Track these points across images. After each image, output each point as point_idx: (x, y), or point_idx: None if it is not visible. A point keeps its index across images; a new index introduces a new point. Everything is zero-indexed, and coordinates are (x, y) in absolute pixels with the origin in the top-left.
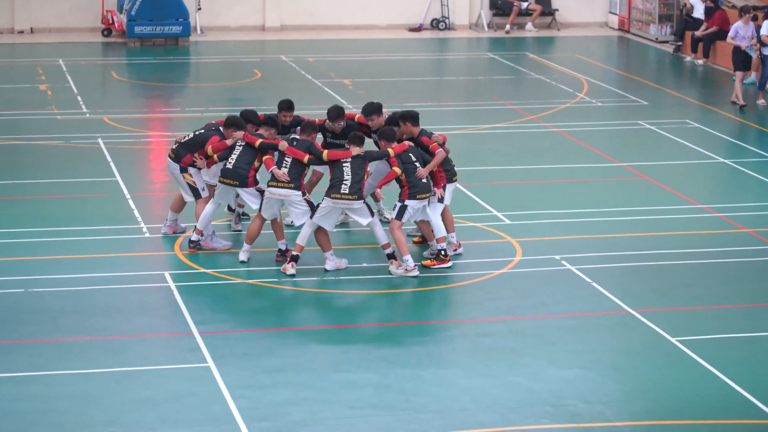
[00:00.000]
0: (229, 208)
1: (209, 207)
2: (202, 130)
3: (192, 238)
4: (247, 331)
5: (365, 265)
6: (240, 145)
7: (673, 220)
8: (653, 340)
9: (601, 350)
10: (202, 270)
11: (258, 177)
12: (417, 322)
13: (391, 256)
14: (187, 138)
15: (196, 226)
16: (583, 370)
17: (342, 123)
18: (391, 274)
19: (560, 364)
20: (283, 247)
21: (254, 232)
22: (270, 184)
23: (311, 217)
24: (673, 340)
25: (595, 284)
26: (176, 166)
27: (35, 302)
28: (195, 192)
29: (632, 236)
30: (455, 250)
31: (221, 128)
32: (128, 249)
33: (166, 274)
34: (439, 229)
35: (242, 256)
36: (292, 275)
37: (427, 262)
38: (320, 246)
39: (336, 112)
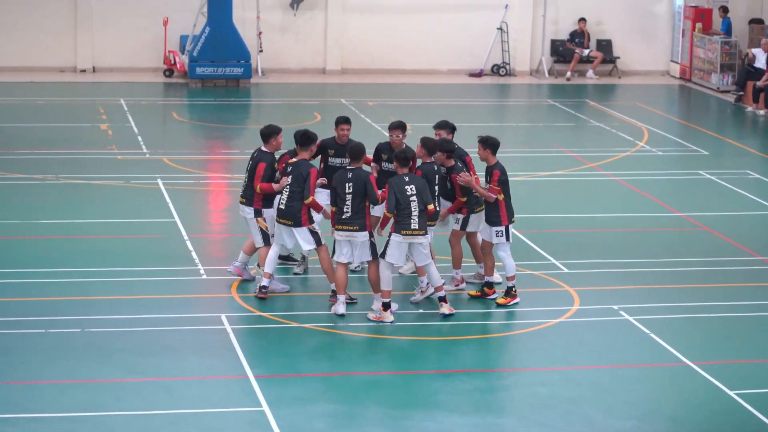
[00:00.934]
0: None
1: (273, 249)
2: (250, 162)
3: (262, 284)
4: (303, 376)
5: (422, 311)
6: (289, 183)
7: (731, 271)
8: (710, 392)
9: (657, 401)
10: (259, 313)
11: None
12: (473, 369)
13: (443, 299)
14: (245, 180)
15: (264, 271)
16: (639, 422)
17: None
18: (444, 315)
19: (616, 415)
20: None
21: (343, 279)
22: (337, 227)
23: (381, 257)
24: (731, 392)
25: (652, 335)
26: (250, 210)
27: (91, 341)
28: (265, 237)
29: (691, 287)
30: (457, 285)
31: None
32: (185, 290)
33: (223, 317)
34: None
35: (340, 309)
36: (392, 322)
37: (501, 300)
38: (374, 286)
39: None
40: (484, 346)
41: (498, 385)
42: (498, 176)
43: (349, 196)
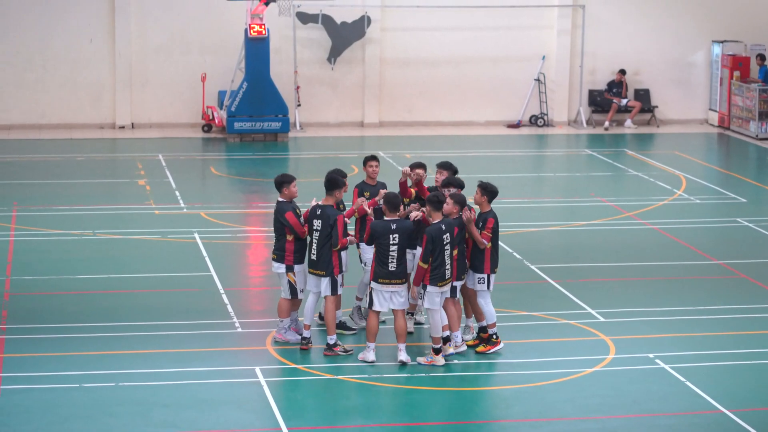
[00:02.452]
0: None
1: (311, 299)
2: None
3: (305, 335)
4: (336, 428)
5: (456, 361)
6: (317, 229)
7: None
8: None
9: None
10: (293, 365)
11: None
12: (507, 420)
13: (447, 339)
14: (275, 235)
15: (305, 323)
16: None
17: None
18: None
19: None
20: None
21: (374, 327)
22: (381, 281)
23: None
24: None
25: (688, 383)
26: (281, 266)
27: (125, 395)
28: (293, 292)
29: (728, 335)
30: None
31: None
32: (220, 343)
33: (257, 369)
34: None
35: (371, 356)
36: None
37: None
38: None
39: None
40: (519, 396)
41: None
42: (492, 224)
43: (394, 248)
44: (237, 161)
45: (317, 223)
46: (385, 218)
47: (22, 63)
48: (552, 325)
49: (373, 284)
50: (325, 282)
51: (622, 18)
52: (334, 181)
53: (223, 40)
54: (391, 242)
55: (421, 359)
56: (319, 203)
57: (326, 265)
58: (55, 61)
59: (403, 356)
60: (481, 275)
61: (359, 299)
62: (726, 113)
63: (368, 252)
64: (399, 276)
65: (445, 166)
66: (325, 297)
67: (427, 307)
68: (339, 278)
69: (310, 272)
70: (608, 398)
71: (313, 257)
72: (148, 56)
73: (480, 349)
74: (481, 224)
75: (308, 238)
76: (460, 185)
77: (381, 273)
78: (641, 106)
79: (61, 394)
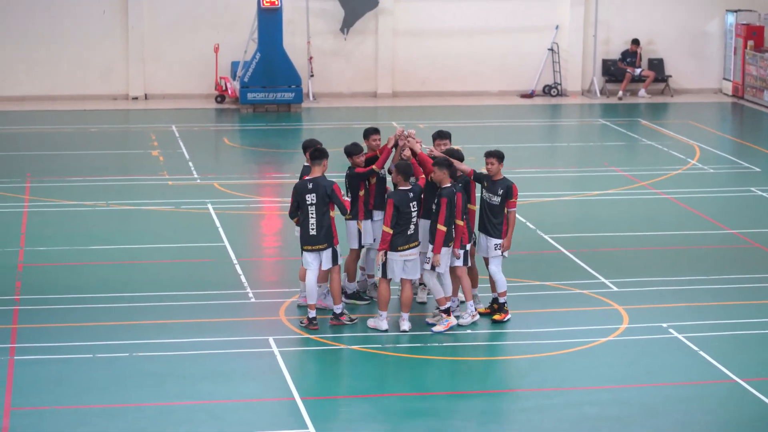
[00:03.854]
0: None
1: (312, 277)
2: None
3: (311, 315)
4: (349, 397)
5: (469, 331)
6: (312, 203)
7: None
8: (761, 410)
9: (707, 421)
10: (306, 336)
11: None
12: (521, 389)
13: (447, 311)
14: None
15: (309, 303)
16: None
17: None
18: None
19: None
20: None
21: (387, 296)
22: (401, 248)
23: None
24: None
25: (702, 353)
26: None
27: (140, 366)
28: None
29: (742, 304)
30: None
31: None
32: (234, 314)
33: (270, 339)
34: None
35: (384, 324)
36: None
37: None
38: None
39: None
40: (533, 366)
41: (547, 404)
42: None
43: (414, 214)
44: (250, 132)
45: (311, 197)
46: (400, 188)
47: (35, 36)
48: (565, 295)
49: (391, 254)
50: (327, 254)
51: None
52: (322, 151)
53: (237, 11)
54: (412, 210)
55: (436, 328)
56: (307, 177)
57: (328, 237)
58: (68, 32)
59: (406, 325)
60: (498, 241)
61: (370, 276)
62: (740, 82)
63: (370, 234)
64: (415, 239)
65: (444, 135)
66: (330, 268)
67: (439, 271)
68: (338, 247)
69: (307, 250)
70: (622, 368)
71: (313, 232)
72: (160, 28)
73: (496, 317)
74: (502, 191)
75: (302, 215)
76: (460, 157)
77: (400, 241)
78: (655, 76)
79: (74, 365)
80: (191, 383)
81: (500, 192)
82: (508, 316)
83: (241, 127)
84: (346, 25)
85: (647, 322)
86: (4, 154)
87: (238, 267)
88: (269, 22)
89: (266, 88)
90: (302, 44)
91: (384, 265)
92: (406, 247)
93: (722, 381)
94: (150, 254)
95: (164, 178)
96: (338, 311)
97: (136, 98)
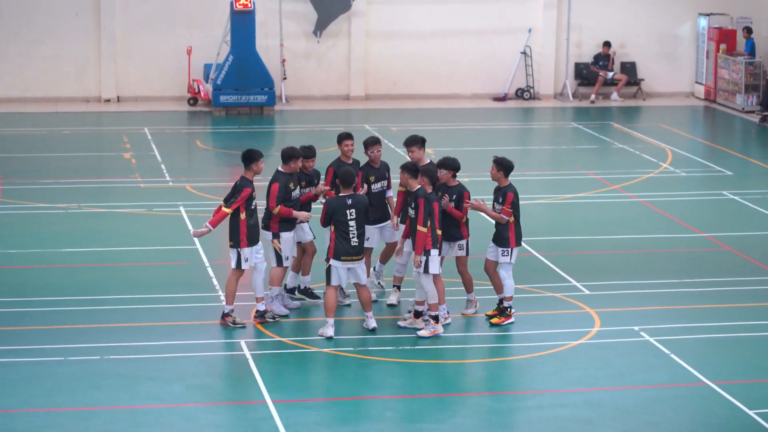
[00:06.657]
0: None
1: (258, 275)
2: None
3: (259, 308)
4: (321, 401)
5: (443, 334)
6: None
7: (754, 291)
8: (730, 412)
9: (677, 422)
10: (278, 338)
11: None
12: (493, 392)
13: (419, 314)
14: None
15: (257, 296)
16: None
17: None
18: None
19: None
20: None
21: (333, 303)
22: (343, 258)
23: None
24: (750, 412)
25: (673, 356)
26: (267, 233)
27: (111, 369)
28: (279, 259)
29: (713, 307)
30: (475, 306)
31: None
32: (205, 316)
33: (242, 342)
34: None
35: (329, 331)
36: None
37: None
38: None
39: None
40: (503, 368)
41: (517, 407)
42: (512, 198)
43: (353, 224)
44: (223, 134)
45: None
46: (341, 194)
47: (6, 36)
48: (537, 298)
49: (333, 261)
50: (232, 253)
51: None
52: (251, 154)
53: (209, 14)
54: (348, 218)
55: (422, 333)
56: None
57: (233, 237)
58: (40, 33)
59: (372, 323)
60: (505, 248)
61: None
62: (712, 86)
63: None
64: (359, 252)
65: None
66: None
67: (433, 273)
68: (245, 251)
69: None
70: (593, 370)
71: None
72: (133, 29)
73: (495, 320)
74: (501, 199)
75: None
76: (455, 167)
77: (342, 250)
78: (627, 79)
79: (46, 367)
80: (162, 385)
81: (500, 200)
82: (512, 320)
83: (214, 129)
84: (319, 27)
85: (619, 325)
86: None
87: (210, 270)
88: (242, 24)
89: (239, 91)
90: (275, 47)
91: (328, 272)
92: (348, 258)
93: (693, 384)
94: (122, 256)
95: (137, 180)
96: (226, 311)
97: (108, 100)
